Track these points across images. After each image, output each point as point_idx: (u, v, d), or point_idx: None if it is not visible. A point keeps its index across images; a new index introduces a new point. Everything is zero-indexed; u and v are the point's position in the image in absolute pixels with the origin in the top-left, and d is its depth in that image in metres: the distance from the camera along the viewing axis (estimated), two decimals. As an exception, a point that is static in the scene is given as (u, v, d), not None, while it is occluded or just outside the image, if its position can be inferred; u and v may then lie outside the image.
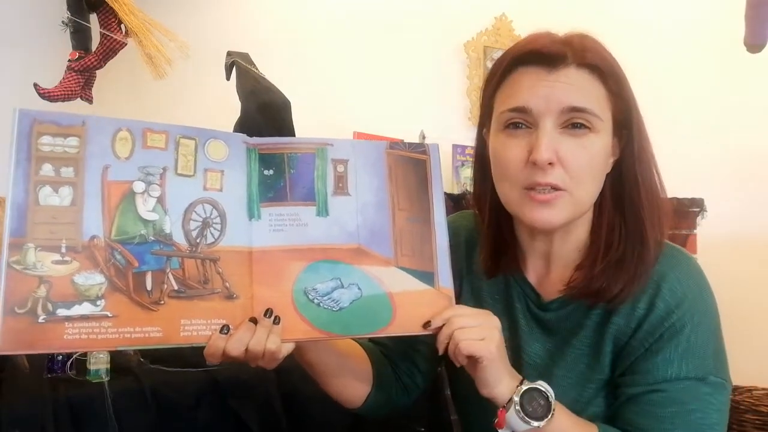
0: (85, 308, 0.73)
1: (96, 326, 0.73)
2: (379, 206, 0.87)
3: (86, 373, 1.40)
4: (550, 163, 0.83)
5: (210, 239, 0.80)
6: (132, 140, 0.78)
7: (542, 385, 0.82)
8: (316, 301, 0.82)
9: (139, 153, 0.78)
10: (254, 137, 0.85)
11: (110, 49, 1.79)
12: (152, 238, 0.78)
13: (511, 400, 0.81)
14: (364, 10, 2.51)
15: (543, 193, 0.84)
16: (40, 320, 0.70)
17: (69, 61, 1.77)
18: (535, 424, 0.80)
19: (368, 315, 0.83)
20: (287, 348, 0.81)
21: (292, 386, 1.50)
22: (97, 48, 1.79)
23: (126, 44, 1.80)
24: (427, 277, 0.86)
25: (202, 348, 0.78)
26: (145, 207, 0.78)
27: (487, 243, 0.96)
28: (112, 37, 1.77)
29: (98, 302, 0.73)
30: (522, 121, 0.85)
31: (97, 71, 1.81)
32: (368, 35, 2.50)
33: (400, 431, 1.60)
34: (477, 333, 0.80)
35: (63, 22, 1.77)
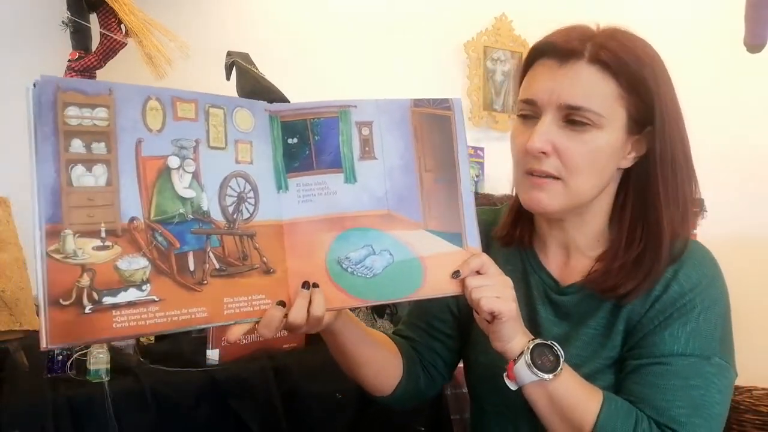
0: (132, 294, 0.69)
1: (144, 312, 0.69)
2: (406, 169, 0.85)
3: (86, 373, 1.40)
4: (544, 153, 0.86)
5: (246, 214, 0.78)
6: (162, 111, 0.73)
7: (553, 343, 0.85)
8: (350, 269, 0.82)
9: (171, 125, 0.73)
10: (274, 103, 0.82)
11: (110, 49, 1.79)
12: (191, 217, 0.74)
13: (521, 352, 0.84)
14: (365, 10, 2.51)
15: (539, 177, 0.88)
16: (86, 311, 0.66)
17: (69, 61, 1.76)
18: (543, 376, 0.83)
19: (401, 280, 0.83)
20: (329, 316, 0.82)
21: (292, 385, 1.50)
22: (97, 48, 1.79)
23: (126, 44, 1.80)
24: (455, 237, 0.85)
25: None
26: (182, 183, 0.74)
27: (510, 213, 1.01)
28: (112, 37, 1.77)
29: (144, 287, 0.70)
30: (531, 113, 0.90)
31: (97, 71, 1.80)
32: (368, 35, 2.50)
33: (401, 430, 1.60)
34: (491, 291, 0.83)
35: (63, 22, 1.76)
